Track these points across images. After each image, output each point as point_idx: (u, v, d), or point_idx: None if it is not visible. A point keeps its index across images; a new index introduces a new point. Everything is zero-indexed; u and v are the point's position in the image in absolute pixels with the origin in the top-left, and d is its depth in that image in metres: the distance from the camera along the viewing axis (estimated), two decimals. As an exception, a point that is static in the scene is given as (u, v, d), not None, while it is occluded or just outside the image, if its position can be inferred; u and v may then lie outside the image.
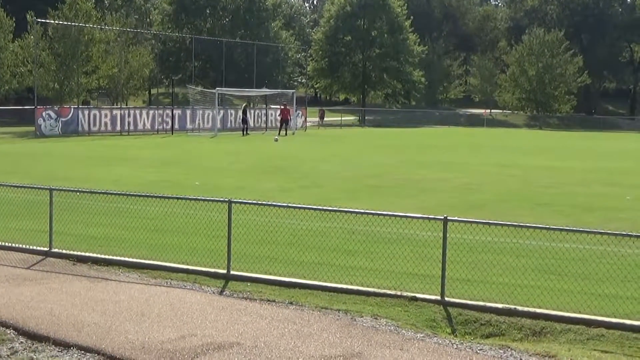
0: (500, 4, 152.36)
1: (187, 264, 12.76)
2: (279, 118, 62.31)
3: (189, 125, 60.99)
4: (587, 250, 13.02)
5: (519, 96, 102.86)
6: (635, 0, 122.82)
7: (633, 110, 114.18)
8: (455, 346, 9.17)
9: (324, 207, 13.77)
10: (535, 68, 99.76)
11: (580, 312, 10.30)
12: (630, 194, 23.49)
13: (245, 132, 57.99)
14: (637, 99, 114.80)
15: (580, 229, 11.81)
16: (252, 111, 67.15)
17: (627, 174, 30.48)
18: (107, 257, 13.21)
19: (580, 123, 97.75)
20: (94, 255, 13.31)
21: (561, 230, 12.09)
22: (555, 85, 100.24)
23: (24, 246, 13.90)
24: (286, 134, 58.75)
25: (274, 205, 14.09)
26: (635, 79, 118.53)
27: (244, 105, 63.36)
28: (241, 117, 60.45)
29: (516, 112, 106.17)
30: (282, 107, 62.12)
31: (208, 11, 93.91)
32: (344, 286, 11.58)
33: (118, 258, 13.14)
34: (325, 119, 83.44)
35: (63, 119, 52.80)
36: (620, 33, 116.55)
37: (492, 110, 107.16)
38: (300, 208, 13.62)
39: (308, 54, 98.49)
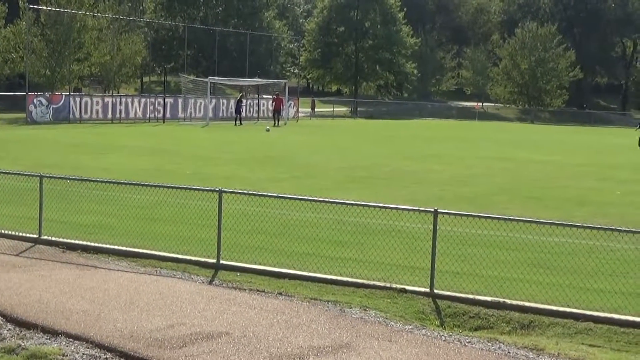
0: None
1: (177, 253, 12.75)
2: (271, 108, 62.34)
3: (180, 114, 60.90)
4: (577, 244, 13.06)
5: (511, 89, 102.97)
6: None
7: (624, 105, 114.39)
8: (443, 338, 9.18)
9: (315, 198, 13.77)
10: (528, 62, 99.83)
11: (568, 306, 10.34)
12: (621, 189, 23.56)
13: (237, 122, 57.77)
14: (629, 94, 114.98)
15: (570, 223, 11.82)
16: (245, 101, 67.07)
17: (618, 169, 30.57)
18: (96, 245, 13.19)
19: (571, 117, 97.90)
20: (84, 243, 13.30)
21: (551, 224, 12.10)
22: (547, 79, 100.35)
23: (13, 233, 13.87)
24: (278, 124, 58.74)
25: (265, 196, 14.09)
26: (627, 74, 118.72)
27: (240, 95, 63.24)
28: (234, 107, 60.33)
29: (508, 105, 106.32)
30: (275, 96, 62.10)
31: (201, 0, 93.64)
32: (334, 277, 11.60)
33: (108, 246, 13.12)
34: (316, 109, 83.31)
35: (54, 106, 52.65)
36: (612, 28, 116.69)
37: (484, 104, 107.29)
38: (290, 198, 13.63)
39: (301, 44, 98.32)
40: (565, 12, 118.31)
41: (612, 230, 11.13)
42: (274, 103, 61.57)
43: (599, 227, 11.16)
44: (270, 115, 62.53)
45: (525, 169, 29.34)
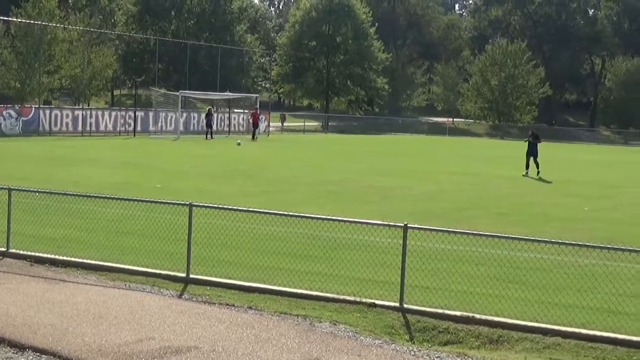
0: (464, 14, 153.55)
1: (147, 267, 12.69)
2: (250, 121, 62.47)
3: (151, 128, 60.66)
4: (545, 259, 13.14)
5: (481, 105, 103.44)
6: (596, 14, 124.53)
7: (593, 122, 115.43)
8: (412, 353, 9.21)
9: (285, 212, 13.78)
10: (498, 78, 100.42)
11: (537, 321, 10.40)
12: (588, 205, 23.74)
13: (208, 136, 57.70)
14: (597, 111, 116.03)
15: (538, 239, 11.91)
16: (216, 115, 67.05)
17: (586, 185, 30.79)
18: (65, 258, 13.10)
19: (541, 133, 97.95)
20: (52, 256, 13.20)
21: (519, 239, 12.19)
22: (517, 96, 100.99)
23: (-20, 246, 13.75)
24: (254, 137, 58.71)
25: (235, 210, 14.06)
26: (595, 91, 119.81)
27: (208, 108, 63.20)
28: (205, 121, 60.33)
29: (478, 121, 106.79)
30: (254, 111, 62.27)
31: (173, 13, 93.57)
32: (304, 291, 11.60)
33: (76, 260, 13.04)
34: (286, 123, 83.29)
35: (24, 119, 52.27)
36: (581, 45, 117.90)
37: (454, 119, 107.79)
38: (261, 213, 13.64)
39: (272, 59, 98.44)
40: (535, 29, 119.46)
41: (580, 245, 11.21)
42: (251, 117, 61.69)
43: (567, 243, 11.25)
44: (251, 129, 62.27)
45: (495, 184, 29.50)
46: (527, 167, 34.05)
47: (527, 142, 35.20)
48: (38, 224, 15.45)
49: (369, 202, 22.39)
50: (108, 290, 11.40)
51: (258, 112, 63.53)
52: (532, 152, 34.35)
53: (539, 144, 34.73)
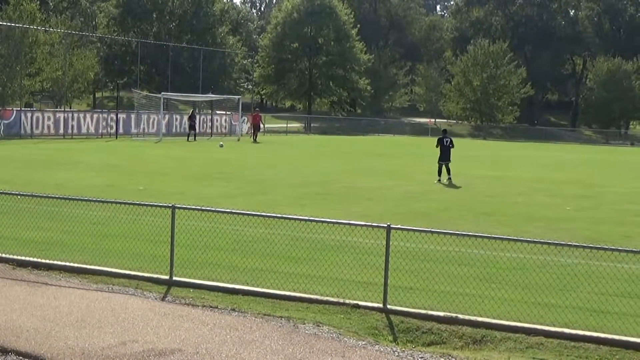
0: (446, 15, 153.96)
1: (130, 270, 12.65)
2: (248, 124, 62.70)
3: (133, 130, 60.50)
4: (528, 259, 13.18)
5: (463, 106, 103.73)
6: (577, 14, 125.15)
7: (574, 121, 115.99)
8: (396, 354, 9.21)
9: (268, 214, 13.77)
10: (480, 78, 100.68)
11: (520, 321, 10.43)
12: (571, 205, 23.83)
13: (189, 138, 57.70)
14: (579, 110, 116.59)
15: (521, 239, 11.94)
16: (198, 116, 66.97)
17: (568, 185, 30.90)
18: (47, 261, 13.04)
19: (523, 133, 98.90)
20: (35, 259, 13.13)
21: (502, 239, 12.22)
22: (499, 96, 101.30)
23: (-38, 250, 13.68)
24: (256, 139, 58.70)
25: (218, 211, 14.03)
26: (577, 91, 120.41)
27: (192, 110, 63.17)
28: (188, 123, 60.34)
29: (460, 121, 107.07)
30: (254, 113, 62.61)
31: (155, 15, 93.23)
32: (287, 293, 11.59)
33: (59, 263, 12.97)
34: (265, 125, 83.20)
35: (5, 122, 52.04)
36: (562, 45, 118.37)
37: (436, 120, 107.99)
38: (244, 214, 13.60)
39: (254, 60, 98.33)
40: (517, 30, 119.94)
41: (563, 245, 11.26)
42: (252, 119, 61.94)
43: (550, 242, 11.28)
44: (251, 131, 62.32)
45: (477, 184, 29.54)
46: (440, 174, 30.03)
47: (439, 147, 30.74)
48: (20, 227, 15.37)
49: (352, 203, 22.39)
50: (91, 293, 11.35)
51: (260, 114, 63.73)
52: (446, 158, 30.29)
53: (452, 149, 30.83)
